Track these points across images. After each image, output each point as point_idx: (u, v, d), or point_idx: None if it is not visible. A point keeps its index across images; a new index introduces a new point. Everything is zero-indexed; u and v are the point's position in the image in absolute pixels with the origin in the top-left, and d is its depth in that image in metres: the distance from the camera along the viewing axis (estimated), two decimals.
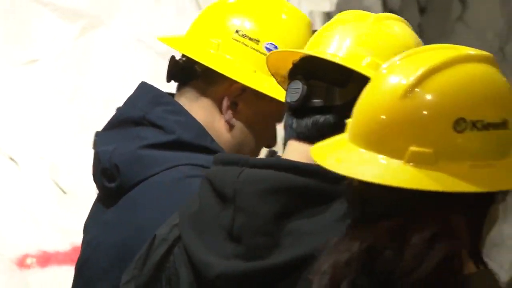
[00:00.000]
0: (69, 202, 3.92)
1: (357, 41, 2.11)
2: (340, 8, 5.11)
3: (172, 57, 2.29)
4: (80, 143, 3.72)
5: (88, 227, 2.34)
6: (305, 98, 1.92)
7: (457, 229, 1.62)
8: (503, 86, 1.69)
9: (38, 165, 3.95)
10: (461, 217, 1.62)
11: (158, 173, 2.16)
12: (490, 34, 6.38)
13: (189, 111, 2.23)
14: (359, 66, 2.01)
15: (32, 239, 3.87)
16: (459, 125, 1.62)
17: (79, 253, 3.88)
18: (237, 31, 2.23)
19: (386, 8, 5.50)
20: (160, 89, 2.29)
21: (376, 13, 4.86)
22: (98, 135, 2.29)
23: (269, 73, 2.13)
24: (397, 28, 2.20)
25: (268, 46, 2.22)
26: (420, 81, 1.65)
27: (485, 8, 6.08)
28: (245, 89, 2.19)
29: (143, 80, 2.44)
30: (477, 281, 1.64)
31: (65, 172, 3.95)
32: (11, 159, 3.92)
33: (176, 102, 2.24)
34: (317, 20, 4.97)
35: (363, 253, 1.63)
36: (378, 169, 1.65)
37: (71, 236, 3.88)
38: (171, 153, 2.18)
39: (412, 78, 1.63)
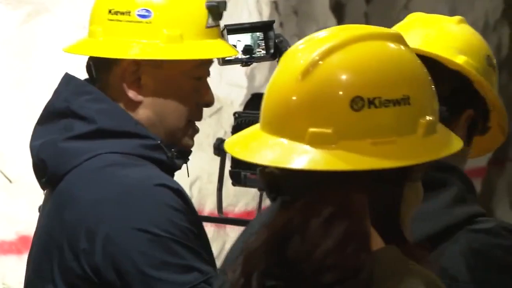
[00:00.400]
0: (15, 191, 3.92)
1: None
2: None
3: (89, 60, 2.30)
4: (26, 131, 3.62)
5: (39, 216, 2.33)
6: None
7: (357, 208, 1.61)
8: (406, 62, 1.68)
9: None
10: (362, 195, 1.61)
11: (80, 164, 2.14)
12: None
13: (132, 100, 2.22)
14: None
15: None
16: (356, 103, 1.61)
17: (25, 241, 3.92)
18: (109, 11, 2.22)
19: None
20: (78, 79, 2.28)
21: (323, 1, 4.80)
22: (33, 131, 2.28)
23: (154, 38, 2.20)
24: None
25: (140, 13, 2.22)
26: (317, 61, 1.64)
27: None
28: (138, 63, 2.20)
29: (67, 72, 2.46)
30: (383, 256, 1.62)
31: (11, 161, 3.94)
32: None
33: (97, 90, 2.24)
34: (265, 9, 4.99)
35: (271, 241, 1.63)
36: (279, 152, 1.64)
37: (16, 225, 3.90)
38: (92, 142, 2.17)
39: (309, 59, 1.62)
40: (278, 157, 1.64)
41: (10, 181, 3.94)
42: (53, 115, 2.25)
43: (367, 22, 5.92)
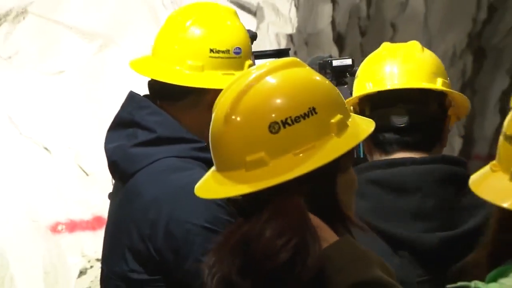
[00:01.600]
0: (90, 181, 3.95)
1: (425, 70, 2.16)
2: (299, 30, 5.20)
3: (150, 82, 2.24)
4: (97, 136, 3.57)
5: (111, 204, 2.34)
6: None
7: (292, 209, 1.56)
8: (305, 81, 1.64)
9: (66, 153, 3.99)
10: (298, 197, 1.56)
11: (146, 166, 2.13)
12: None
13: (183, 118, 2.17)
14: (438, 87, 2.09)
15: (62, 211, 3.91)
16: (273, 127, 1.58)
17: (98, 221, 3.92)
18: (211, 50, 2.16)
19: (335, 31, 5.52)
20: (139, 96, 2.24)
21: (328, 35, 4.81)
22: (106, 136, 2.27)
23: (242, 69, 2.12)
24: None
25: (235, 51, 2.17)
26: (233, 107, 1.62)
27: (410, 31, 6.05)
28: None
29: (131, 90, 2.41)
30: (335, 250, 1.55)
31: (87, 159, 3.98)
32: (46, 148, 3.96)
33: (153, 104, 2.21)
34: (282, 41, 5.02)
35: (235, 248, 1.59)
36: (226, 186, 1.61)
37: (92, 208, 3.93)
38: (153, 149, 2.14)
39: (227, 108, 1.60)
40: (229, 189, 1.61)
41: (87, 174, 3.98)
42: (121, 124, 2.23)
43: (362, 50, 5.82)
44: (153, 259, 2.08)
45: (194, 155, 2.14)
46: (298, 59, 1.67)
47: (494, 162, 1.36)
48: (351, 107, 2.16)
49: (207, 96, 2.17)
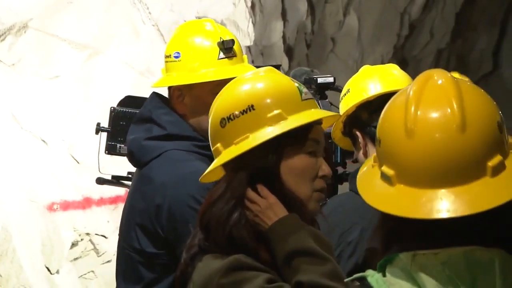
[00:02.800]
0: (80, 168, 3.93)
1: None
2: (256, 43, 5.18)
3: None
4: (86, 130, 3.63)
5: (131, 185, 2.33)
6: None
7: (235, 182, 1.56)
8: (251, 84, 1.63)
9: (60, 145, 3.97)
10: (241, 173, 1.56)
11: (156, 157, 2.12)
12: (350, 61, 6.33)
13: (190, 111, 2.16)
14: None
15: (57, 193, 3.89)
16: (222, 123, 1.60)
17: (87, 201, 3.92)
18: (166, 56, 2.17)
19: (285, 44, 5.52)
20: (161, 96, 2.23)
21: (279, 47, 4.77)
22: (130, 128, 2.25)
23: (188, 71, 2.10)
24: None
25: (175, 55, 2.14)
26: (211, 108, 1.65)
27: (346, 44, 6.12)
28: (180, 88, 2.14)
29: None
30: (279, 224, 1.54)
31: (78, 149, 3.96)
32: (43, 140, 3.93)
33: (167, 106, 2.18)
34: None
35: (200, 222, 1.60)
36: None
37: (82, 190, 3.92)
38: (164, 143, 2.13)
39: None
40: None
41: (78, 162, 3.96)
42: (142, 119, 2.21)
43: (308, 60, 5.88)
44: (159, 236, 2.06)
45: (195, 150, 2.12)
46: (273, 68, 1.67)
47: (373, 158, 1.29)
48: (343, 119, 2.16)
49: (195, 91, 2.14)
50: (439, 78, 1.24)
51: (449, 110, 1.19)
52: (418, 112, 1.21)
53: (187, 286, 1.55)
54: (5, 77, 3.83)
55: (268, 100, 1.57)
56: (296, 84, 1.62)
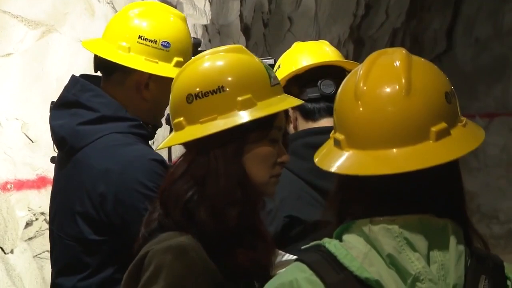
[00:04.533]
0: (35, 148, 3.86)
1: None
2: (213, 22, 5.15)
3: (95, 55, 2.19)
4: (41, 109, 3.60)
5: (54, 175, 2.27)
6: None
7: (196, 163, 1.57)
8: (225, 63, 1.61)
9: (14, 124, 3.88)
10: (205, 156, 1.55)
11: (92, 141, 2.08)
12: (307, 40, 6.39)
13: (113, 93, 2.13)
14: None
15: (11, 172, 3.81)
16: (188, 98, 1.59)
17: (42, 180, 3.89)
18: (140, 37, 2.11)
19: (243, 23, 5.54)
20: (83, 79, 2.19)
21: (237, 26, 4.72)
22: (50, 112, 2.20)
23: (168, 62, 2.08)
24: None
25: (163, 43, 2.10)
26: (174, 80, 1.66)
27: (303, 24, 6.16)
28: (151, 76, 2.11)
29: (81, 71, 2.38)
30: None
31: (32, 128, 3.88)
32: None
33: (97, 87, 2.14)
34: (199, 30, 4.93)
35: (160, 197, 1.62)
36: (170, 137, 1.67)
37: (36, 170, 3.85)
38: (98, 126, 2.09)
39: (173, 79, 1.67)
40: (169, 140, 1.67)
41: (32, 141, 3.88)
42: (64, 104, 2.16)
43: (265, 39, 5.92)
44: (103, 223, 2.02)
45: (133, 131, 2.08)
46: (243, 47, 1.65)
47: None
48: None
49: (132, 76, 2.12)
50: (392, 52, 1.31)
51: (396, 72, 1.26)
52: (368, 79, 1.27)
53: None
54: None
55: (240, 83, 1.56)
56: (266, 68, 1.62)
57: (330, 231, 1.30)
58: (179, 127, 1.61)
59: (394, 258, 1.22)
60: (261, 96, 1.57)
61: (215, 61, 1.61)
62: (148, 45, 2.12)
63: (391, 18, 7.59)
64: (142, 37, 2.12)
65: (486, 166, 8.56)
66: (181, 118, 1.60)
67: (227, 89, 1.56)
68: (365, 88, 1.27)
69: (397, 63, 1.27)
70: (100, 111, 2.09)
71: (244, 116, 1.55)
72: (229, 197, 1.55)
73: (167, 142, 1.64)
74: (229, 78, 1.57)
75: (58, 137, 2.15)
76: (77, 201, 2.07)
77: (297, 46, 2.31)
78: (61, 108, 2.17)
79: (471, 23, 8.80)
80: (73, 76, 2.22)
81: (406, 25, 8.09)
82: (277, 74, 2.18)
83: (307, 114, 2.14)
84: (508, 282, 1.26)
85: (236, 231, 1.56)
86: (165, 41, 2.13)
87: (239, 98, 1.55)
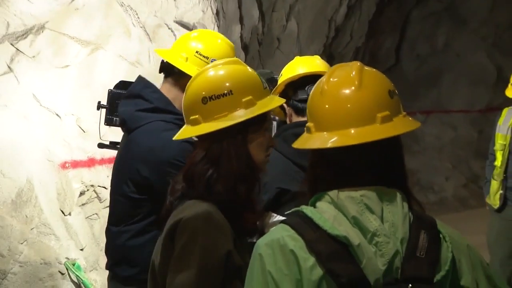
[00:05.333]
0: (86, 136, 3.87)
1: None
2: None
3: (162, 61, 2.17)
4: (91, 107, 3.60)
5: (119, 148, 2.25)
6: None
7: (211, 150, 1.54)
8: (230, 72, 1.58)
9: (71, 118, 3.87)
10: (218, 144, 1.54)
11: (144, 125, 2.08)
12: (291, 56, 6.21)
13: (167, 91, 2.12)
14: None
15: (68, 154, 3.81)
16: (203, 100, 1.57)
17: (92, 161, 3.90)
18: (196, 52, 2.10)
19: (243, 42, 5.49)
20: (147, 79, 2.18)
21: (238, 44, 4.61)
22: (120, 103, 2.20)
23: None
24: None
25: (212, 60, 2.09)
26: (188, 87, 1.62)
27: (289, 43, 6.12)
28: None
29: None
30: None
31: (84, 121, 3.88)
32: (57, 114, 3.83)
33: (155, 86, 2.14)
34: None
35: (184, 175, 1.58)
36: (185, 129, 1.62)
37: (87, 153, 3.87)
38: (151, 114, 2.09)
39: (186, 87, 1.62)
40: (182, 133, 1.62)
41: (84, 131, 3.87)
42: (131, 96, 2.15)
43: (259, 55, 5.89)
44: (145, 186, 2.02)
45: (175, 121, 2.07)
46: (239, 59, 1.62)
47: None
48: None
49: (183, 80, 2.07)
50: (350, 64, 1.34)
51: (351, 75, 1.28)
52: (330, 79, 1.30)
53: (169, 220, 1.54)
54: (27, 66, 3.72)
55: (243, 87, 1.55)
56: (258, 75, 1.62)
57: (306, 200, 1.30)
58: (195, 122, 1.58)
59: (357, 219, 1.23)
60: (258, 97, 1.56)
61: (220, 71, 1.59)
62: (201, 59, 2.11)
63: (354, 39, 7.57)
64: (198, 53, 2.11)
65: (424, 149, 8.58)
66: (197, 116, 1.58)
67: (234, 92, 1.55)
68: (326, 87, 1.29)
69: (353, 71, 1.29)
70: (154, 103, 2.08)
71: (249, 113, 1.54)
72: (240, 174, 1.53)
73: (185, 133, 1.60)
74: (235, 84, 1.56)
75: (121, 119, 2.15)
76: (128, 169, 2.06)
77: (296, 59, 2.33)
78: (127, 99, 2.17)
79: (413, 43, 8.80)
80: (139, 77, 2.22)
81: (366, 45, 8.06)
82: (280, 80, 2.25)
83: (298, 111, 2.16)
84: (440, 235, 1.27)
85: (244, 200, 1.55)
86: (214, 59, 2.10)
87: (243, 99, 1.54)
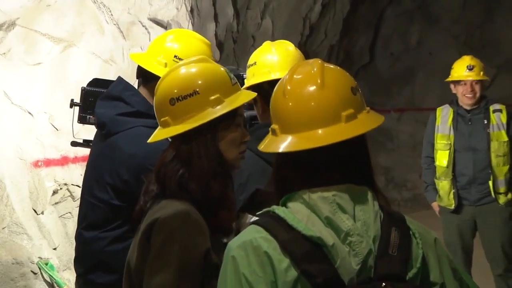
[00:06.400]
0: (59, 134, 3.83)
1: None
2: None
3: (139, 66, 2.14)
4: (64, 105, 3.53)
5: (92, 148, 2.22)
6: None
7: (181, 150, 1.53)
8: (197, 71, 1.57)
9: (43, 116, 3.82)
10: (187, 145, 1.52)
11: (125, 130, 2.06)
12: None
13: (147, 96, 2.09)
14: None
15: (41, 152, 3.76)
16: (171, 101, 1.55)
17: (65, 159, 3.86)
18: (175, 56, 2.07)
19: (217, 39, 5.47)
20: (126, 81, 2.16)
21: (213, 42, 4.58)
22: (97, 103, 2.16)
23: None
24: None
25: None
26: (157, 87, 1.58)
27: (264, 41, 6.04)
28: None
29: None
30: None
31: (57, 119, 3.84)
32: (29, 113, 3.78)
33: (136, 89, 2.11)
34: None
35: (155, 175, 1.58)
36: (157, 132, 1.60)
37: (60, 151, 3.83)
38: (133, 119, 2.07)
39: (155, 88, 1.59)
40: (157, 134, 1.60)
41: (57, 130, 3.83)
42: (109, 97, 2.12)
43: (234, 53, 5.88)
44: (125, 193, 2.00)
45: (156, 126, 1.98)
46: (205, 57, 1.59)
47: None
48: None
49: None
50: (311, 62, 1.30)
51: (313, 74, 1.25)
52: (292, 81, 1.27)
53: (143, 219, 1.53)
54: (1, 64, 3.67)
55: (209, 86, 1.53)
56: (227, 72, 1.59)
57: (274, 202, 1.28)
58: (165, 124, 1.57)
59: (330, 219, 1.22)
60: (226, 94, 1.54)
61: (186, 70, 1.57)
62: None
63: (328, 37, 7.59)
64: (177, 57, 2.09)
65: (398, 147, 8.65)
66: (167, 117, 1.57)
67: (201, 92, 1.53)
68: (289, 87, 1.27)
69: (314, 69, 1.26)
70: (136, 107, 2.06)
71: (216, 112, 1.53)
72: (212, 172, 1.52)
73: (157, 136, 1.59)
74: (201, 83, 1.54)
75: (99, 121, 2.11)
76: (107, 174, 2.03)
77: (266, 46, 2.30)
78: (105, 100, 2.14)
79: (387, 41, 8.86)
80: (119, 78, 2.19)
81: (340, 43, 8.09)
82: (252, 69, 2.21)
83: None
84: (410, 231, 1.26)
85: (219, 197, 1.53)
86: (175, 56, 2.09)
87: (211, 98, 1.52)
